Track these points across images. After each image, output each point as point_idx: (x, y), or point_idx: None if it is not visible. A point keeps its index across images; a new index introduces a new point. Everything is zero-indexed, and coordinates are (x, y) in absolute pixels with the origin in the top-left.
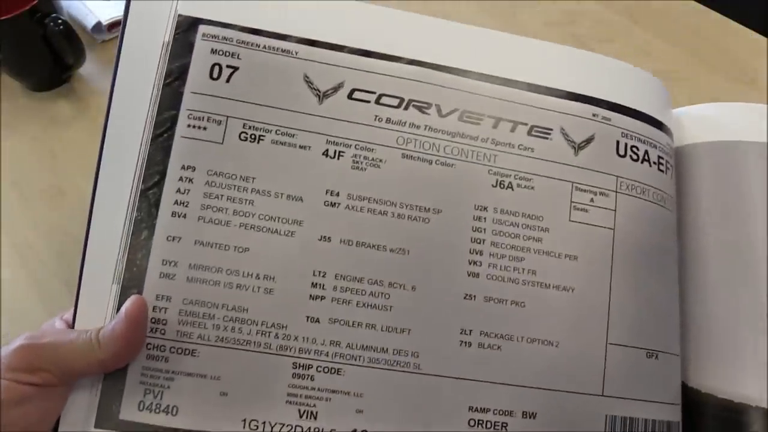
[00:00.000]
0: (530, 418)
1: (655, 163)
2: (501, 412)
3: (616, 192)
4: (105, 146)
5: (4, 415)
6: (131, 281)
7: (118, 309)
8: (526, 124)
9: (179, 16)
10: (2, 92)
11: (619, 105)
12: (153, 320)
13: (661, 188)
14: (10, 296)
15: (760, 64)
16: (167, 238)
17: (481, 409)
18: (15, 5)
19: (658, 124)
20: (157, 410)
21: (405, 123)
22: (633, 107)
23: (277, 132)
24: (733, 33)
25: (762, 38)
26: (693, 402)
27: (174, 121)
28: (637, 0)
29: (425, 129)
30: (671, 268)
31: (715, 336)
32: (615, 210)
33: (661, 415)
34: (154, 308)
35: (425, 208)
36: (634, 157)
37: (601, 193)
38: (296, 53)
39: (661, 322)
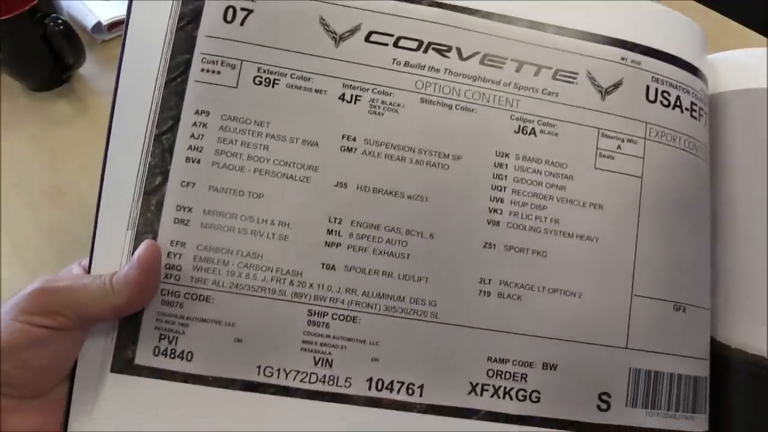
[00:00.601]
0: (551, 369)
1: (687, 109)
2: (521, 363)
3: (645, 139)
4: (119, 90)
5: (17, 358)
6: (145, 227)
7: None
8: (550, 68)
9: None
10: (2, 92)
11: (650, 48)
12: (167, 266)
13: (694, 136)
14: (9, 296)
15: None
16: (181, 183)
17: (500, 359)
18: (15, 5)
19: (692, 69)
20: (173, 356)
21: (424, 66)
22: (665, 50)
23: (293, 76)
24: (733, 33)
25: (762, 38)
26: (722, 357)
27: (188, 65)
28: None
29: (445, 72)
30: (703, 219)
31: (746, 290)
32: (643, 158)
33: (688, 370)
34: (168, 254)
35: (444, 154)
36: (665, 102)
37: (629, 140)
38: None
39: (690, 275)
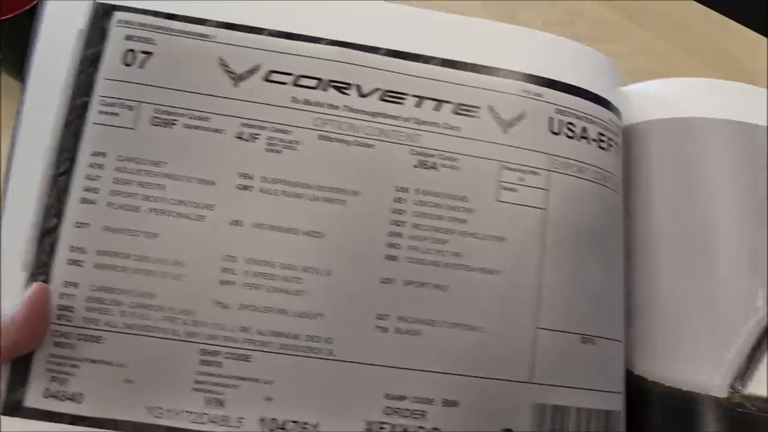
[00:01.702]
0: (451, 406)
1: (594, 140)
2: (419, 400)
3: (549, 171)
4: (20, 130)
5: None
6: (39, 268)
7: None
8: (451, 102)
9: (96, 3)
10: (2, 92)
11: (553, 80)
12: (60, 307)
13: (603, 167)
14: None
15: (760, 64)
16: (76, 224)
17: (397, 396)
18: (15, 5)
19: (599, 100)
20: (63, 398)
21: (323, 104)
22: (569, 83)
23: (191, 116)
24: (733, 33)
25: (762, 38)
26: (639, 390)
27: (86, 107)
28: (637, 0)
29: (344, 109)
30: (615, 250)
31: (663, 322)
32: (548, 189)
33: (599, 404)
34: (61, 295)
35: (342, 190)
36: (570, 134)
37: (532, 172)
38: (213, 37)
39: (599, 307)
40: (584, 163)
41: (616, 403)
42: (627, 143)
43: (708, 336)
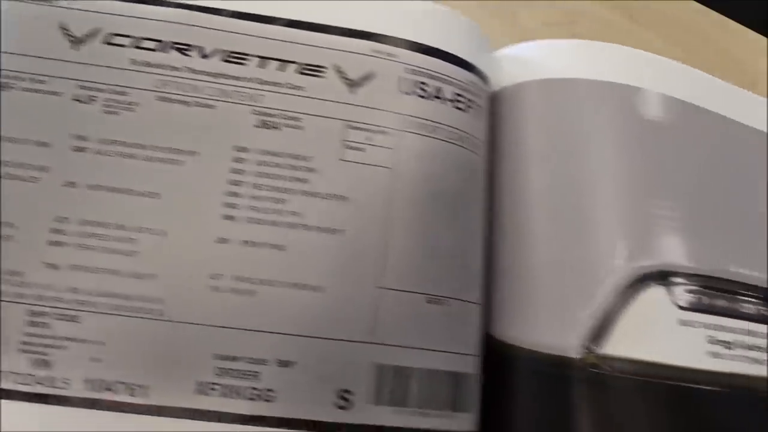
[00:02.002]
0: (286, 366)
1: (450, 100)
2: (252, 361)
3: (398, 130)
4: None
5: None
6: None
7: None
8: (296, 63)
9: None
10: None
11: (406, 40)
12: None
13: (459, 127)
14: None
15: (760, 64)
16: None
17: (230, 357)
18: None
19: (457, 61)
20: None
21: (164, 66)
22: (423, 43)
23: (30, 80)
24: (733, 33)
25: (762, 38)
26: (500, 355)
27: None
28: (637, 0)
29: (185, 71)
30: (472, 212)
31: (525, 285)
32: (396, 149)
33: (447, 365)
34: None
35: (179, 151)
36: (422, 94)
37: (380, 132)
38: (55, 2)
39: (450, 268)
40: (437, 123)
41: (468, 365)
42: (498, 106)
43: (566, 297)
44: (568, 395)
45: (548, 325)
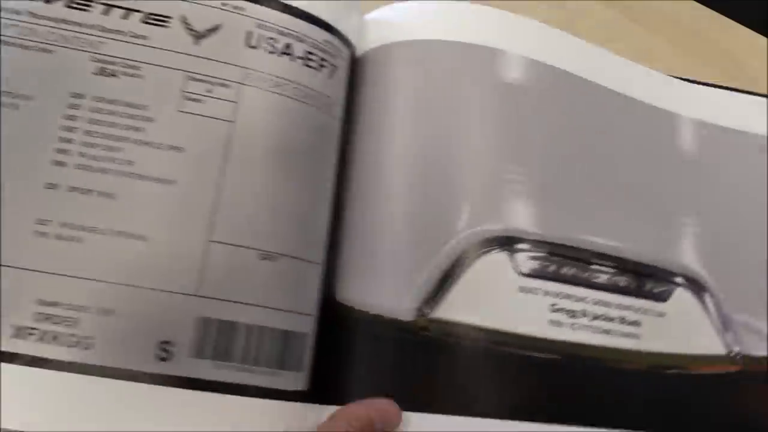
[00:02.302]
0: (107, 315)
1: (301, 58)
2: (73, 307)
3: (241, 84)
4: None
5: None
6: None
7: None
8: (141, 12)
9: None
10: None
11: None
12: None
13: (308, 85)
14: None
15: (760, 64)
16: None
17: (50, 302)
18: None
19: (311, 19)
20: None
21: (6, 9)
22: None
23: None
24: (733, 33)
25: (762, 38)
26: (339, 316)
27: None
28: (637, 0)
29: (26, 15)
30: (318, 172)
31: (367, 246)
32: (237, 102)
33: (277, 323)
34: None
35: (14, 94)
36: (270, 49)
37: (222, 84)
38: None
39: (288, 225)
40: (284, 79)
41: (301, 324)
42: (363, 68)
43: (405, 259)
44: (400, 359)
45: (385, 287)
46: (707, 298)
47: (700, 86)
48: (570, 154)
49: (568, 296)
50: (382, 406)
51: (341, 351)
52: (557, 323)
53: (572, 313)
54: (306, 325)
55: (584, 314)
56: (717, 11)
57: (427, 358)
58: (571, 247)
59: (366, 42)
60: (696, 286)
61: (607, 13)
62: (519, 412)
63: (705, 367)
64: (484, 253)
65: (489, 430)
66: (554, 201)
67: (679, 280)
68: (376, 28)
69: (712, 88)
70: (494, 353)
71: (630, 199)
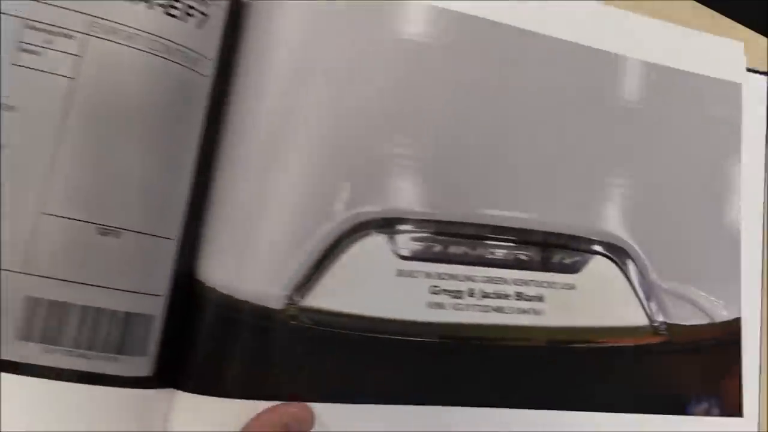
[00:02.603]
0: None
1: (161, 5)
2: None
3: (86, 35)
4: None
5: None
6: None
7: None
8: None
9: None
10: None
11: None
12: None
13: (171, 38)
14: None
15: (761, 64)
16: None
17: None
18: None
19: None
20: None
21: None
22: None
23: None
24: (733, 33)
25: (762, 38)
26: (200, 298)
27: None
28: (637, 0)
29: None
30: (176, 137)
31: (235, 224)
32: (81, 56)
33: (118, 305)
34: None
35: None
36: None
37: (64, 35)
38: None
39: (135, 198)
40: (139, 30)
41: (148, 306)
42: (246, 20)
43: (275, 242)
44: (265, 349)
45: (253, 270)
46: (630, 266)
47: (655, 22)
48: (473, 118)
49: (452, 276)
50: (295, 410)
51: (198, 336)
52: (438, 305)
53: (456, 294)
54: (153, 307)
55: (471, 294)
56: (717, 11)
57: (294, 348)
58: (464, 224)
59: None
60: (618, 254)
61: None
62: (401, 398)
63: (623, 339)
64: (361, 237)
65: (377, 417)
66: (447, 174)
67: (597, 248)
68: None
69: (668, 26)
70: (369, 341)
71: (545, 163)
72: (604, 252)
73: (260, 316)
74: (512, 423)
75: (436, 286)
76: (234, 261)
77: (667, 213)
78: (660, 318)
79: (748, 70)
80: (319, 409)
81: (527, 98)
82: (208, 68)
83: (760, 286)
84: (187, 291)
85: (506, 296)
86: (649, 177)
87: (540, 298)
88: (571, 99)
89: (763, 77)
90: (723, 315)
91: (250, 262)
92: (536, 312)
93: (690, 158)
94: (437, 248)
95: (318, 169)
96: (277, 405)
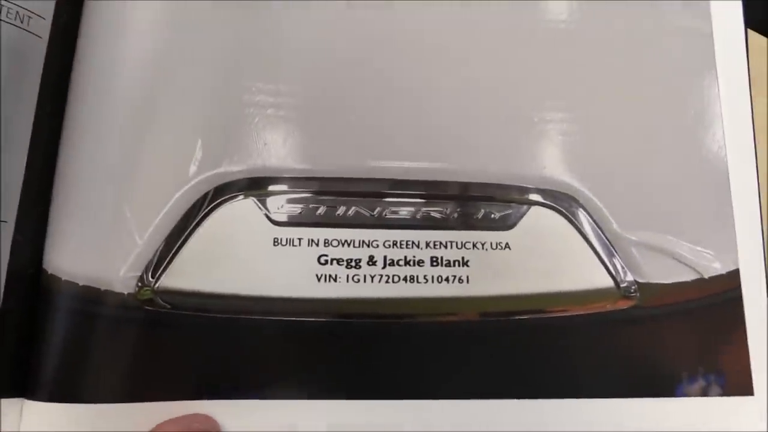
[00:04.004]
0: None
1: None
2: None
3: None
4: None
5: None
6: None
7: None
8: None
9: None
10: None
11: None
12: None
13: None
14: None
15: (760, 64)
16: None
17: None
18: None
19: None
20: None
21: None
22: None
23: None
24: None
25: (762, 38)
26: (44, 287)
27: None
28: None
29: None
30: (5, 105)
31: (72, 200)
32: None
33: None
34: None
35: None
36: None
37: None
38: None
39: None
40: None
41: None
42: None
43: (116, 214)
44: (114, 340)
45: (93, 251)
46: (581, 216)
47: None
48: (354, 53)
49: (345, 243)
50: (200, 421)
51: (42, 335)
52: (330, 278)
53: (352, 263)
54: None
55: (372, 262)
56: None
57: (150, 337)
58: (354, 180)
59: None
60: (563, 203)
61: None
62: (293, 393)
63: (581, 306)
64: (224, 201)
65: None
66: (328, 123)
67: (533, 197)
68: None
69: None
70: (246, 324)
71: (454, 102)
72: (544, 201)
73: (105, 302)
74: (439, 417)
75: (324, 255)
76: (75, 243)
77: (627, 150)
78: (629, 277)
79: None
80: (203, 407)
81: (425, 18)
82: (44, 28)
83: (760, 229)
84: (33, 283)
85: (418, 262)
86: (596, 108)
87: (464, 262)
88: (481, 24)
89: None
90: (715, 268)
91: (92, 243)
92: (460, 279)
93: (651, 82)
94: (321, 210)
95: (165, 128)
96: (180, 417)
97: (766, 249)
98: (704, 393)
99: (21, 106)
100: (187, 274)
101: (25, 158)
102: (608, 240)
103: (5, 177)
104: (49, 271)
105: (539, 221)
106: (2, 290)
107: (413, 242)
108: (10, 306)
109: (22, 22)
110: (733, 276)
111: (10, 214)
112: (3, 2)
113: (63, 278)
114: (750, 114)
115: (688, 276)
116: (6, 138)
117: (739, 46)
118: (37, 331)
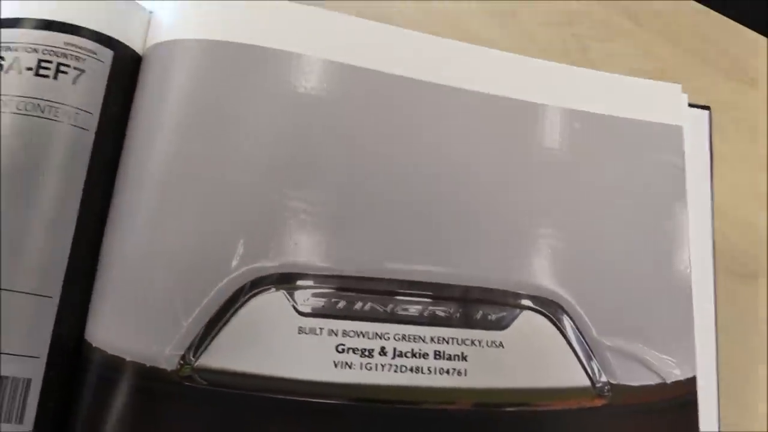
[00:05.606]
0: None
1: (30, 69)
2: None
3: None
4: None
5: None
6: None
7: None
8: None
9: None
10: None
11: None
12: None
13: (42, 97)
14: None
15: (760, 64)
16: None
17: None
18: None
19: (44, 24)
20: None
21: None
22: None
23: None
24: (733, 33)
25: (762, 38)
26: (88, 360)
27: None
28: (637, 0)
29: None
30: (54, 194)
31: (125, 281)
32: None
33: None
34: None
35: None
36: None
37: None
38: None
39: (8, 255)
40: (7, 95)
41: (25, 369)
42: (143, 69)
43: (167, 298)
44: (155, 411)
45: (145, 330)
46: (566, 322)
47: (580, 70)
48: (378, 170)
49: (360, 334)
50: None
51: (81, 401)
52: (345, 364)
53: (366, 353)
54: (31, 370)
55: (383, 352)
56: (717, 11)
57: (188, 410)
58: (370, 279)
59: (150, 38)
60: (551, 309)
61: (607, 13)
62: None
63: (561, 401)
64: (259, 293)
65: None
66: (351, 228)
67: (525, 302)
68: (162, 23)
69: (597, 73)
70: (271, 402)
71: (460, 215)
72: (534, 307)
73: (149, 377)
74: None
75: (342, 344)
76: (121, 320)
77: (607, 265)
78: (603, 378)
79: (690, 105)
80: None
81: (438, 149)
82: (91, 121)
83: (715, 342)
84: (75, 354)
85: (423, 355)
86: (582, 227)
87: (462, 357)
88: (486, 149)
89: (705, 112)
90: (675, 374)
91: (139, 321)
92: (459, 372)
93: (630, 206)
94: (341, 304)
95: (210, 223)
96: None
97: (717, 358)
98: None
99: (68, 192)
100: (223, 354)
101: (71, 240)
102: (588, 344)
103: (53, 256)
104: (94, 344)
105: (529, 324)
106: (48, 363)
107: (420, 337)
108: (51, 376)
109: (68, 119)
110: (691, 382)
111: (56, 290)
112: (51, 104)
113: (109, 352)
114: (711, 238)
115: (652, 380)
116: (54, 222)
117: (705, 178)
118: (79, 400)
